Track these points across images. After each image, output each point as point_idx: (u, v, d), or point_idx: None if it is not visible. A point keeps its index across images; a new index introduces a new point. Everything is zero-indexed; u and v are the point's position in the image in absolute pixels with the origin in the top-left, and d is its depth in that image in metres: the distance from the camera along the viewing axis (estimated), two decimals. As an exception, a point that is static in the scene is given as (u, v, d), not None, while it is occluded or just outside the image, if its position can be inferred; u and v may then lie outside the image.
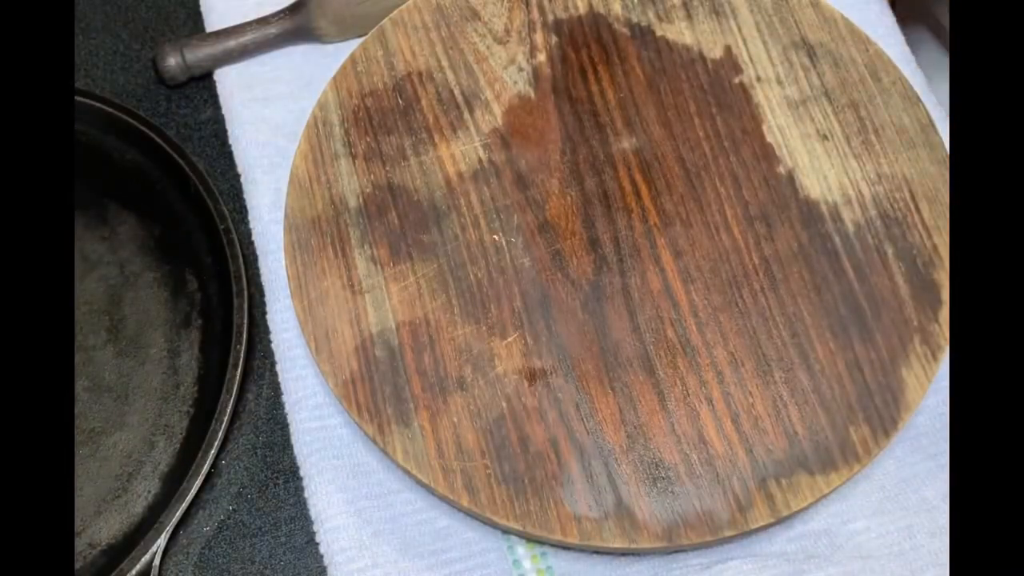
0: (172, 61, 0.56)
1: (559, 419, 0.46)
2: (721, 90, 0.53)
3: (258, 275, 0.53)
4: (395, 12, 0.56)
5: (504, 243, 0.50)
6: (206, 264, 0.53)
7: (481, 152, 0.52)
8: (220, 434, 0.48)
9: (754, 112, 0.53)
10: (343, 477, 0.47)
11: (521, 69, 0.54)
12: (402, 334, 0.48)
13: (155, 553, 0.46)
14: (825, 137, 0.52)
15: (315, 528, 0.47)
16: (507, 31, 0.56)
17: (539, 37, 0.55)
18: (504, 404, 0.46)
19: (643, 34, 0.55)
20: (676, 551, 0.45)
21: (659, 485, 0.45)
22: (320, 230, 0.51)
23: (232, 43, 0.57)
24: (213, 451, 0.48)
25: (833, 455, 0.45)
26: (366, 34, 0.55)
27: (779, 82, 0.53)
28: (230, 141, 0.56)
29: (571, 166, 0.52)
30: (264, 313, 0.52)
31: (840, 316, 0.48)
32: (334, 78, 0.54)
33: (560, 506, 0.44)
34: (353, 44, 0.58)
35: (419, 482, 0.46)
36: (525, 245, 0.50)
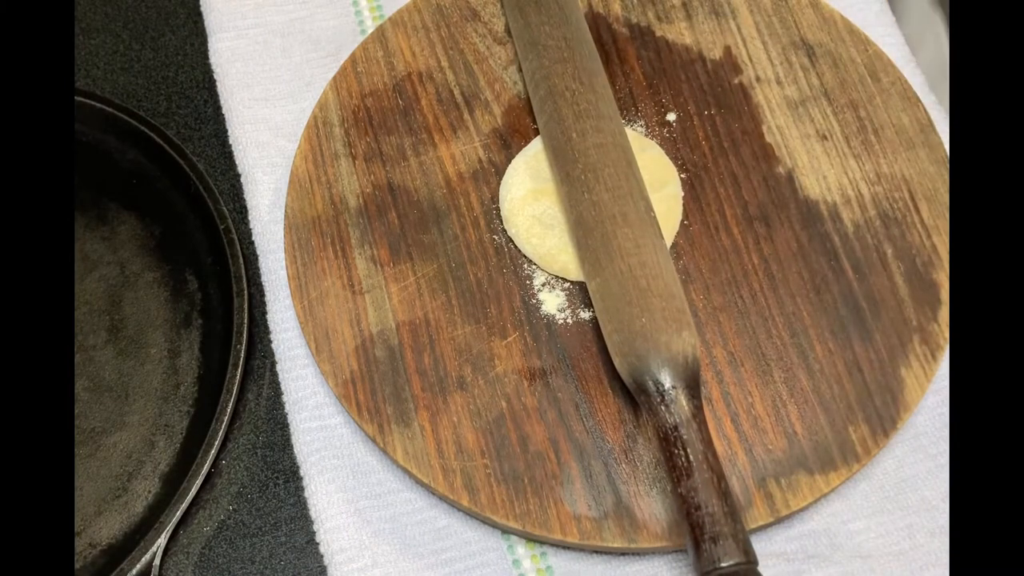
0: None
1: (559, 419, 0.46)
2: (720, 90, 0.53)
3: (258, 275, 0.53)
4: (395, 12, 0.56)
5: (504, 243, 0.50)
6: (206, 264, 0.53)
7: (481, 152, 0.52)
8: (220, 434, 0.48)
9: (753, 112, 0.53)
10: (343, 477, 0.47)
11: (521, 69, 0.54)
12: (402, 334, 0.48)
13: (155, 553, 0.46)
14: (824, 137, 0.52)
15: (315, 528, 0.47)
16: (507, 31, 0.56)
17: (539, 37, 0.55)
18: (504, 404, 0.46)
19: (643, 34, 0.55)
20: (676, 551, 0.45)
21: (659, 485, 0.45)
22: (320, 230, 0.51)
23: None
24: (213, 451, 0.48)
25: (832, 455, 0.45)
26: None
27: (778, 82, 0.53)
28: (230, 141, 0.56)
29: (571, 166, 0.52)
30: (264, 313, 0.52)
31: (839, 316, 0.48)
32: (334, 78, 0.54)
33: (560, 506, 0.44)
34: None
35: (419, 482, 0.46)
36: (525, 245, 0.50)
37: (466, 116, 0.53)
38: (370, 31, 0.58)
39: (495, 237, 0.50)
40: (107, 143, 0.56)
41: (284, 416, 0.50)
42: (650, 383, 0.42)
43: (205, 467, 0.47)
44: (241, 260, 0.51)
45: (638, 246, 0.45)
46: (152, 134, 0.55)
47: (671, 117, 0.53)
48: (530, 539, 0.46)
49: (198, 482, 0.47)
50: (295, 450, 0.49)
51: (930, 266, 0.49)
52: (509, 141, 0.53)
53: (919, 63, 0.58)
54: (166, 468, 0.49)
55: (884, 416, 0.46)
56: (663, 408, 0.42)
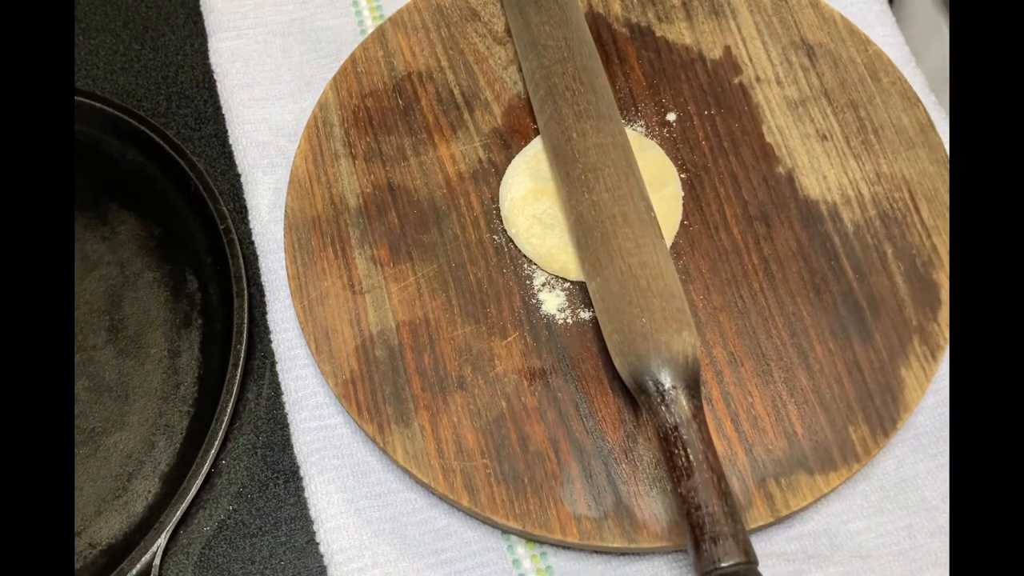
0: None
1: (559, 419, 0.46)
2: (720, 90, 0.53)
3: (258, 275, 0.53)
4: (395, 12, 0.56)
5: (504, 243, 0.50)
6: (206, 264, 0.53)
7: (481, 152, 0.52)
8: (220, 434, 0.48)
9: (753, 112, 0.53)
10: (343, 477, 0.47)
11: (521, 69, 0.54)
12: (402, 334, 0.48)
13: (155, 553, 0.46)
14: (824, 137, 0.52)
15: (315, 528, 0.47)
16: (507, 31, 0.56)
17: (539, 37, 0.55)
18: (504, 404, 0.46)
19: (643, 34, 0.55)
20: (676, 551, 0.45)
21: (659, 485, 0.45)
22: (320, 230, 0.51)
23: None
24: (213, 451, 0.48)
25: (832, 455, 0.45)
26: None
27: (778, 82, 0.53)
28: (230, 141, 0.56)
29: (571, 166, 0.52)
30: (264, 313, 0.52)
31: (839, 316, 0.48)
32: (334, 78, 0.54)
33: (560, 506, 0.44)
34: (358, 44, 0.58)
35: (419, 482, 0.46)
36: (525, 245, 0.50)
37: (466, 116, 0.53)
38: (370, 31, 0.58)
39: (495, 237, 0.50)
40: (107, 143, 0.56)
41: (284, 416, 0.50)
42: (650, 383, 0.42)
43: (205, 467, 0.47)
44: (241, 260, 0.51)
45: (638, 246, 0.45)
46: (152, 134, 0.55)
47: (671, 117, 0.53)
48: (530, 539, 0.46)
49: (198, 482, 0.47)
50: (295, 450, 0.49)
51: (930, 266, 0.49)
52: (509, 141, 0.53)
53: (924, 67, 0.58)
54: (166, 468, 0.49)
55: (884, 416, 0.46)
56: (663, 408, 0.42)
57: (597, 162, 0.47)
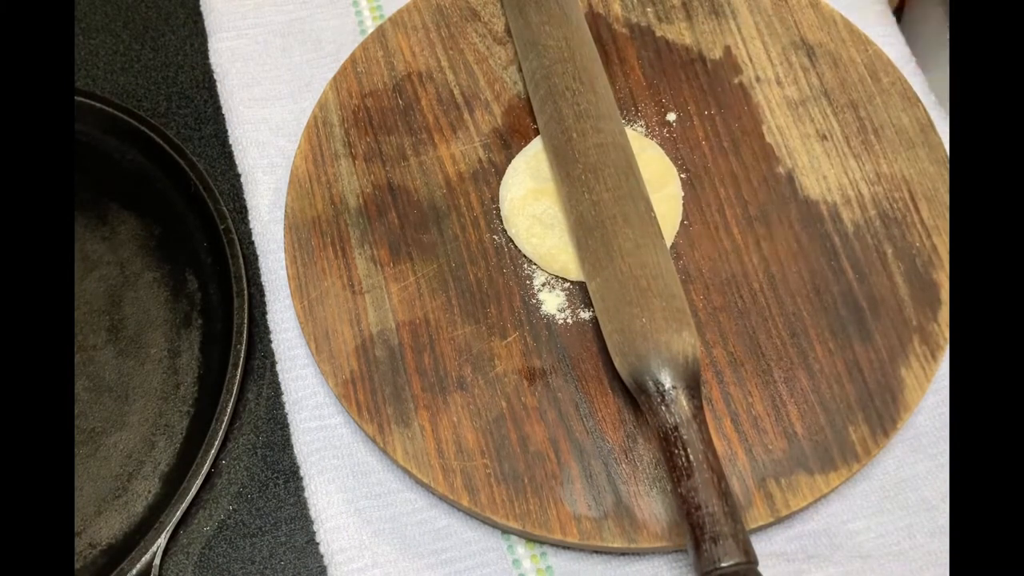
0: None
1: (559, 419, 0.46)
2: (720, 90, 0.53)
3: (258, 275, 0.53)
4: (395, 12, 0.56)
5: (504, 243, 0.50)
6: (206, 264, 0.53)
7: (481, 152, 0.52)
8: (220, 434, 0.48)
9: (753, 112, 0.53)
10: (343, 477, 0.47)
11: (521, 69, 0.54)
12: (402, 334, 0.48)
13: (155, 553, 0.46)
14: (824, 137, 0.52)
15: (315, 528, 0.47)
16: (507, 31, 0.56)
17: (539, 37, 0.55)
18: (504, 404, 0.46)
19: (643, 34, 0.55)
20: (676, 551, 0.45)
21: (659, 485, 0.45)
22: (320, 230, 0.51)
23: None
24: (213, 451, 0.48)
25: (832, 455, 0.45)
26: None
27: (778, 82, 0.53)
28: (230, 141, 0.56)
29: (571, 166, 0.52)
30: (264, 313, 0.52)
31: (839, 316, 0.48)
32: (334, 78, 0.54)
33: (560, 505, 0.44)
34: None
35: (419, 482, 0.46)
36: (525, 245, 0.50)
37: (466, 116, 0.53)
38: (370, 31, 0.58)
39: (495, 237, 0.50)
40: (107, 143, 0.56)
41: (284, 416, 0.50)
42: (650, 383, 0.42)
43: (205, 467, 0.47)
44: (241, 260, 0.51)
45: (638, 246, 0.45)
46: (152, 134, 0.55)
47: (671, 117, 0.53)
48: (530, 539, 0.46)
49: (198, 482, 0.47)
50: (295, 450, 0.49)
51: (930, 266, 0.49)
52: (509, 141, 0.53)
53: (928, 71, 0.58)
54: (166, 468, 0.49)
55: (884, 416, 0.46)
56: (663, 408, 0.42)
57: (597, 162, 0.47)
